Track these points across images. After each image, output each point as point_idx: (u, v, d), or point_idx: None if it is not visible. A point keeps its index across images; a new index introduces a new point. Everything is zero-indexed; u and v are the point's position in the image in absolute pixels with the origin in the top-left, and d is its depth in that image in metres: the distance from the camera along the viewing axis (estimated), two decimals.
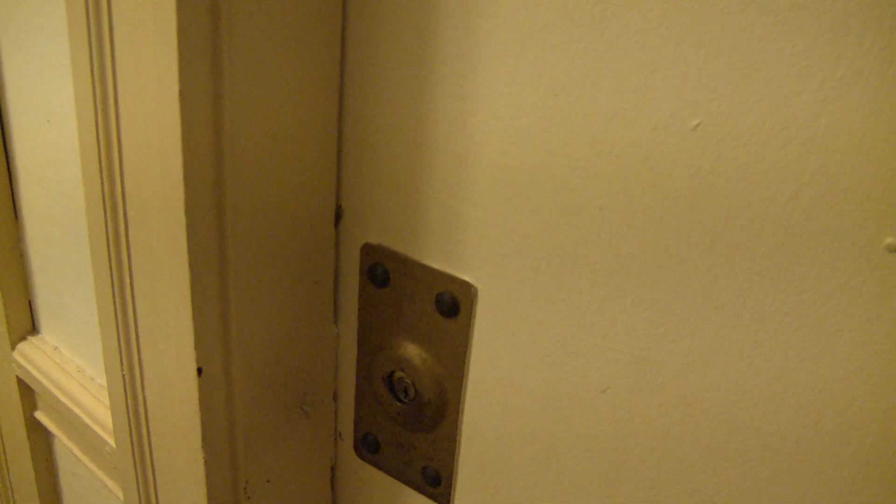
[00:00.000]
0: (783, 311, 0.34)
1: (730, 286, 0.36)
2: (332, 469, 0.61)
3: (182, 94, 0.39)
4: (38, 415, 0.90)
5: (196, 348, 0.47)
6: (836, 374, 0.34)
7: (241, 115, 0.42)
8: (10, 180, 0.79)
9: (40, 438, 0.93)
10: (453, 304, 0.46)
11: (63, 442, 0.88)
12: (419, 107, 0.44)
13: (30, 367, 0.84)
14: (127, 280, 0.52)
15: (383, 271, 0.49)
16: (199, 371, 0.48)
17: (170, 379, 0.52)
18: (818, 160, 0.31)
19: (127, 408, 0.60)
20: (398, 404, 0.52)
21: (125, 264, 0.51)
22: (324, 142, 0.48)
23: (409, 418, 0.52)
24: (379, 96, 0.45)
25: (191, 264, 0.44)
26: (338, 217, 0.51)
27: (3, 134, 0.77)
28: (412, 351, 0.50)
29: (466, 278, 0.45)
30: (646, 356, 0.39)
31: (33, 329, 0.88)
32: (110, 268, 0.52)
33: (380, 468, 0.57)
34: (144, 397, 0.58)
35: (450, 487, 0.53)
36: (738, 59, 0.32)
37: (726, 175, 0.34)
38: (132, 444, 0.63)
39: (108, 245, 0.51)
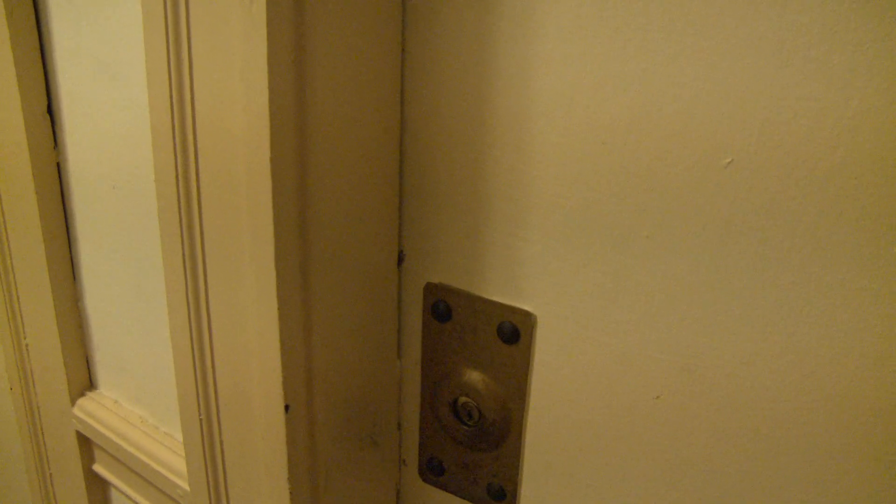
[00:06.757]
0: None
1: (767, 297, 0.41)
2: (398, 494, 0.66)
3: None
4: (97, 468, 0.94)
5: (283, 385, 0.52)
6: (860, 362, 0.39)
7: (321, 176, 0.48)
8: (70, 243, 0.84)
9: (98, 492, 0.97)
10: (514, 331, 0.52)
11: (123, 491, 0.92)
12: (477, 156, 0.50)
13: (91, 421, 0.89)
14: (206, 325, 0.57)
15: (445, 307, 0.55)
16: (287, 408, 0.53)
17: (254, 417, 0.57)
18: None
19: (203, 447, 0.64)
20: (463, 427, 0.57)
21: (204, 310, 0.56)
22: (386, 191, 0.54)
23: (474, 438, 0.57)
24: (436, 144, 0.51)
25: (280, 302, 0.49)
26: (400, 259, 0.56)
27: (63, 199, 0.83)
28: (475, 377, 0.55)
29: (526, 307, 0.51)
30: (693, 364, 0.45)
31: (91, 385, 0.93)
32: (188, 311, 0.57)
33: (445, 489, 0.62)
34: (222, 438, 0.63)
35: (514, 500, 0.57)
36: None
37: (756, 208, 0.40)
38: (209, 484, 0.68)
39: (187, 286, 0.56)
